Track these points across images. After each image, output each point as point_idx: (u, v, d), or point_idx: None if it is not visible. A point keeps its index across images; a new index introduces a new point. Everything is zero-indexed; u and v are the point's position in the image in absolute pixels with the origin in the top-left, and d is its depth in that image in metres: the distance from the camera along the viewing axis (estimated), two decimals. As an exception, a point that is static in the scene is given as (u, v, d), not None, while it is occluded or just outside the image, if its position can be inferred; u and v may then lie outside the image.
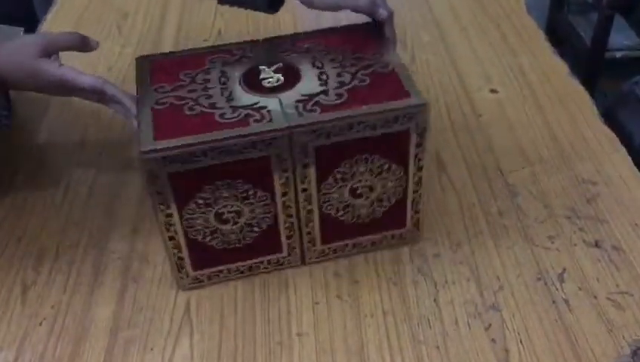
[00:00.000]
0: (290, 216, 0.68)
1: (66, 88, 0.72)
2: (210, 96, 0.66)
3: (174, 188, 0.62)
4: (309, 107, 0.63)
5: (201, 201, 0.64)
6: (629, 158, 0.86)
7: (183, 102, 0.66)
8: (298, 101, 0.64)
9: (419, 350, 0.65)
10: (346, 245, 0.73)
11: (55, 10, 1.25)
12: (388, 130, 0.64)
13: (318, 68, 0.69)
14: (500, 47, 1.09)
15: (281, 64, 0.70)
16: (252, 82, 0.68)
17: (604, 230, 0.76)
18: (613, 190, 0.81)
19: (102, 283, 0.73)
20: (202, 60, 0.72)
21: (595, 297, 0.69)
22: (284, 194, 0.66)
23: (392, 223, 0.73)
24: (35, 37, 0.77)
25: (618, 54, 1.96)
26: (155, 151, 0.60)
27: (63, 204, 0.83)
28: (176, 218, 0.65)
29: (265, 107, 0.64)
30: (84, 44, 0.75)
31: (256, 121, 0.62)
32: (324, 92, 0.65)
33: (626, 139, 0.90)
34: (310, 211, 0.68)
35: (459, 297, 0.70)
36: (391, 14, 0.73)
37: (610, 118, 0.95)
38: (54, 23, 1.21)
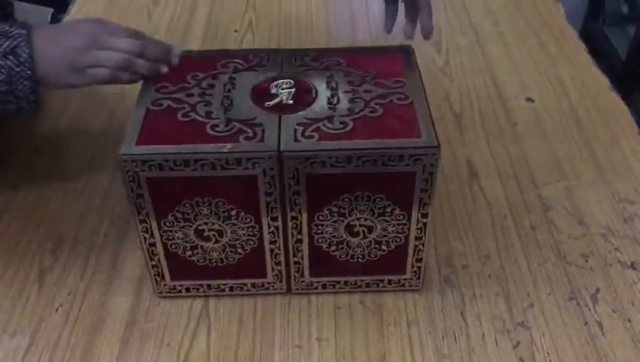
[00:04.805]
0: (275, 242, 0.64)
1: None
2: (208, 104, 0.63)
3: (153, 196, 0.60)
4: (307, 132, 0.59)
5: (179, 216, 0.62)
6: (669, 179, 0.83)
7: (179, 105, 0.63)
8: (299, 124, 0.61)
9: (443, 364, 0.63)
10: (337, 282, 0.68)
11: (86, -8, 1.24)
12: (391, 169, 0.58)
13: (332, 89, 0.65)
14: (538, 55, 1.06)
15: (292, 81, 0.65)
16: (260, 95, 0.65)
17: (641, 252, 0.74)
18: (652, 210, 0.78)
19: (120, 273, 0.71)
20: (214, 63, 0.69)
21: (630, 321, 0.66)
22: (273, 219, 0.62)
23: (389, 268, 0.67)
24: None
25: (653, 69, 1.91)
26: (132, 156, 0.58)
27: (84, 190, 0.81)
28: (154, 227, 0.62)
29: (261, 124, 0.60)
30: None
31: (247, 138, 0.59)
32: (329, 118, 0.61)
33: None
34: (299, 241, 0.64)
35: (486, 312, 0.67)
36: None
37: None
38: (84, 5, 1.20)
